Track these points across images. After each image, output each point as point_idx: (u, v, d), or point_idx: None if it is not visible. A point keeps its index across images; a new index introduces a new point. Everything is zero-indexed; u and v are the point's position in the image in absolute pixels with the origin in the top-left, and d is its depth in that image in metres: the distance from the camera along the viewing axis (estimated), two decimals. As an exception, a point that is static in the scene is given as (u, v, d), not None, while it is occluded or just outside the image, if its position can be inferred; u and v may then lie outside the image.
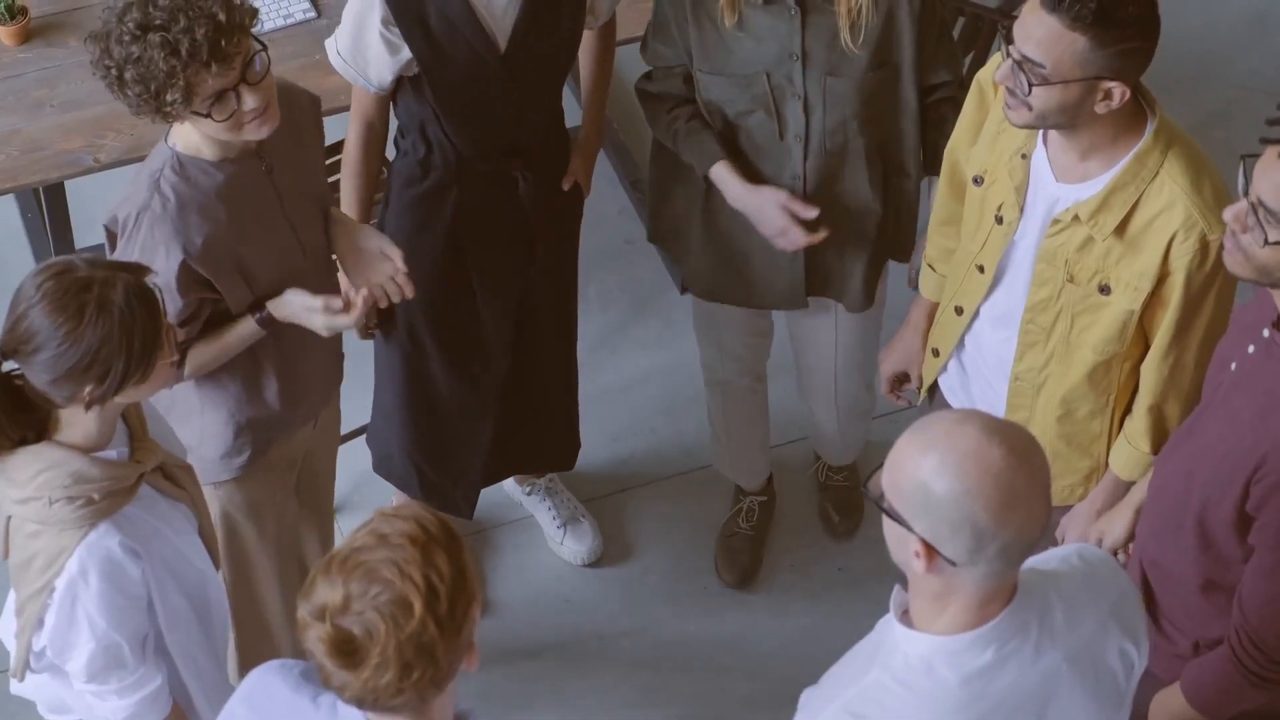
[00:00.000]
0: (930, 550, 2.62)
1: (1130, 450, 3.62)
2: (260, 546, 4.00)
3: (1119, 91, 3.28)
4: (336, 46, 3.91)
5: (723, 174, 3.99)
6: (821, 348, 4.39)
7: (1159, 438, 3.58)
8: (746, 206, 3.98)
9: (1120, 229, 3.40)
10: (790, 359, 4.57)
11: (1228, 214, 3.02)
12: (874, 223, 4.07)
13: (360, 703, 2.58)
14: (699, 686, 4.65)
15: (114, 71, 3.35)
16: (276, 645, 4.16)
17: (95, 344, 3.04)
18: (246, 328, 3.66)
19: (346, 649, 2.55)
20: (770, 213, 3.96)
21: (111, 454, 3.20)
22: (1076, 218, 3.42)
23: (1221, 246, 3.25)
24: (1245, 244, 2.99)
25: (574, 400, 4.60)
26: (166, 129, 3.54)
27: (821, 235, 3.96)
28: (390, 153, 4.16)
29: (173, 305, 3.50)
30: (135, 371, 3.08)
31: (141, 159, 3.78)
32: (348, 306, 3.64)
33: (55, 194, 4.61)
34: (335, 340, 3.93)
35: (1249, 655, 3.24)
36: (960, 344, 3.78)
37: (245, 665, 4.11)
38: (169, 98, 3.33)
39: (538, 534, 4.88)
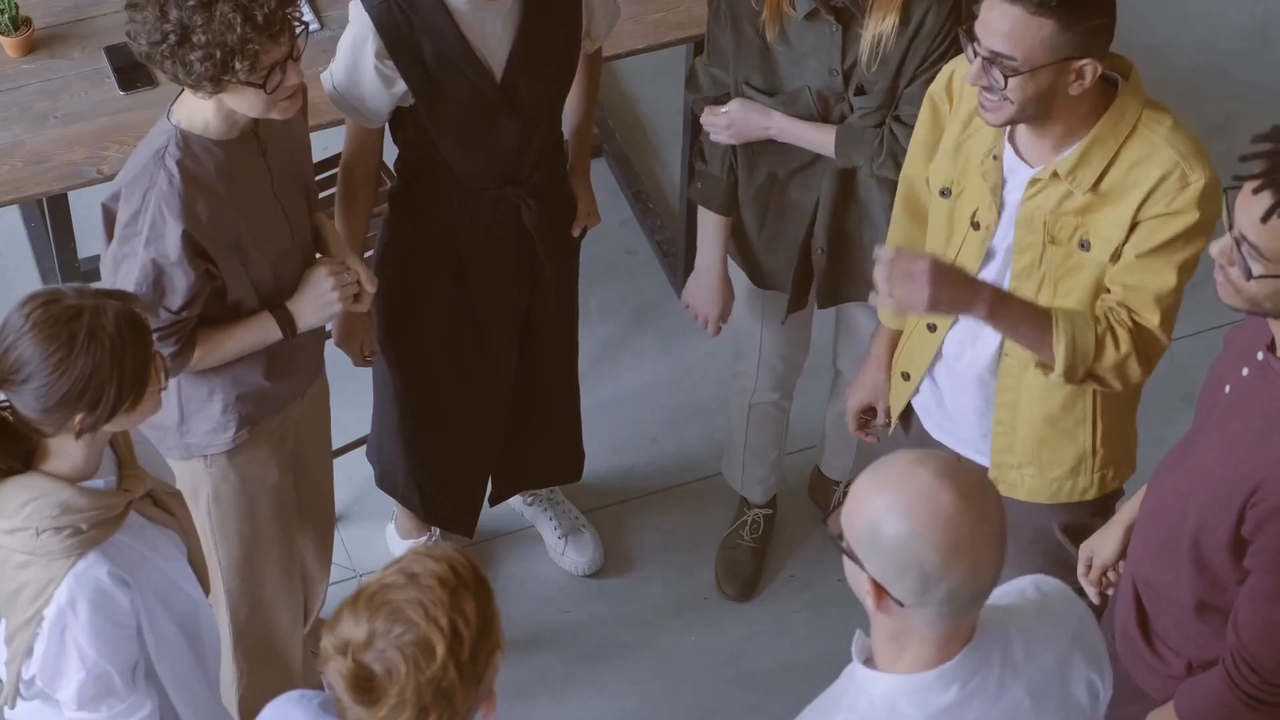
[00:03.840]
0: (879, 590, 2.63)
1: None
2: (254, 525, 3.97)
3: (1090, 69, 3.32)
4: (332, 80, 3.90)
5: (711, 228, 4.19)
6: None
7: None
8: (699, 269, 4.27)
9: (1097, 183, 3.43)
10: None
11: (1214, 249, 3.03)
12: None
13: None
14: (699, 698, 4.65)
15: (173, 36, 3.35)
16: (274, 625, 4.15)
17: (87, 371, 3.03)
18: (268, 332, 3.70)
19: (365, 685, 2.56)
20: (705, 285, 4.26)
21: (99, 483, 3.19)
22: (1055, 174, 3.44)
23: (1201, 189, 3.33)
24: (1233, 277, 2.99)
25: (577, 414, 4.61)
26: (168, 107, 3.56)
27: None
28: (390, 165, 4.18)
29: (184, 279, 3.53)
30: (127, 398, 3.08)
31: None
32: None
33: (58, 205, 4.62)
34: None
35: (1244, 677, 3.25)
36: (934, 360, 3.79)
37: (242, 647, 4.11)
38: (237, 65, 3.36)
39: (539, 545, 4.89)
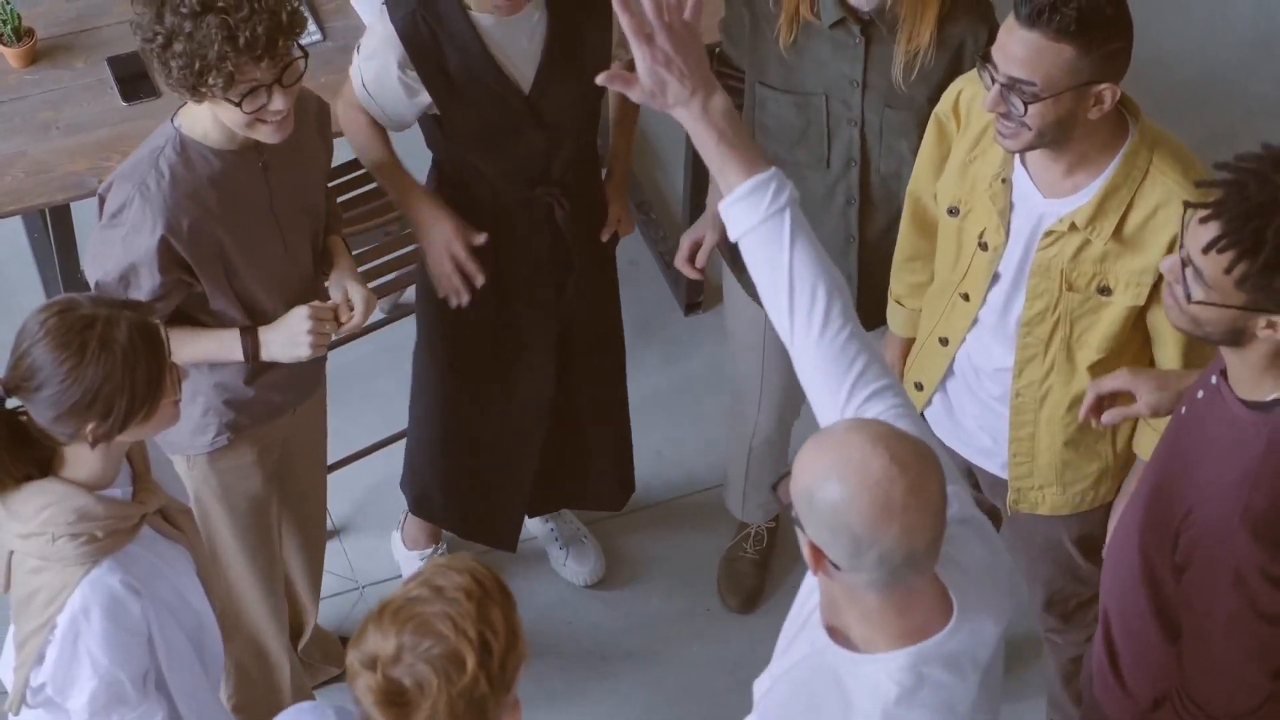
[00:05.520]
0: (817, 553, 2.66)
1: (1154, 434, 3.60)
2: (233, 531, 3.97)
3: (1110, 93, 3.32)
4: (362, 81, 3.88)
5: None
6: None
7: None
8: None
9: (1116, 230, 3.42)
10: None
11: (1164, 265, 3.03)
12: None
13: None
14: (701, 709, 4.65)
15: (160, 38, 3.38)
16: (256, 633, 4.14)
17: (98, 381, 3.05)
18: (230, 350, 3.68)
19: (397, 700, 2.56)
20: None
21: (116, 492, 3.21)
22: (1073, 226, 3.45)
23: None
24: (1178, 295, 2.99)
25: (626, 436, 4.57)
26: (174, 110, 3.57)
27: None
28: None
29: (150, 280, 3.54)
30: (139, 410, 3.10)
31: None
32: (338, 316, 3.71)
33: (61, 215, 4.62)
34: None
35: (1188, 711, 3.24)
36: (947, 373, 3.78)
37: (226, 651, 4.09)
38: (210, 80, 3.37)
39: (541, 556, 4.88)
